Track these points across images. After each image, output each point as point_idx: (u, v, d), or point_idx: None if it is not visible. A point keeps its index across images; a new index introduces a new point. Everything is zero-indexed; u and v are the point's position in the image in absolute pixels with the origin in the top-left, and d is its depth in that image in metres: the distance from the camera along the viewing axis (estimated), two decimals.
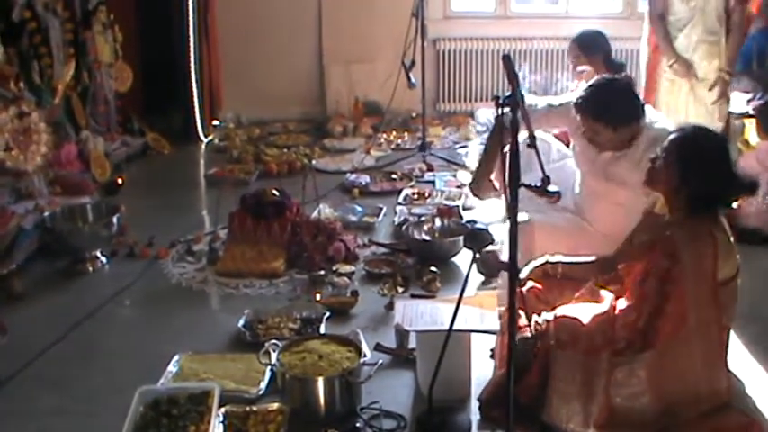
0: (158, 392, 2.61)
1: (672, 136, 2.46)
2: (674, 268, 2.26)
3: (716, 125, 4.35)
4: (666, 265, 2.28)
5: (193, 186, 5.45)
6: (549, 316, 2.52)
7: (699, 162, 2.37)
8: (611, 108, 2.97)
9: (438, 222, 4.11)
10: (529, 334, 2.50)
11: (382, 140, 6.15)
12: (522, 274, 2.78)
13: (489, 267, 2.85)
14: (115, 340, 3.27)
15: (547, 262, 2.82)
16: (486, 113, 6.10)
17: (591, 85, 3.04)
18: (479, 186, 3.45)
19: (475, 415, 2.62)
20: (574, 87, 4.33)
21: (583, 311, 2.48)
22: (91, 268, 3.91)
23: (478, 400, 2.65)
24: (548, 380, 2.47)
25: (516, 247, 2.16)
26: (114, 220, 3.97)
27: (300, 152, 5.82)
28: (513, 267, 2.17)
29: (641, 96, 3.59)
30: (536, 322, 2.52)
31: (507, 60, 2.15)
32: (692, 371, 2.32)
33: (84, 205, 4.20)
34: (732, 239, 2.37)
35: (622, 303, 2.42)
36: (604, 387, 2.35)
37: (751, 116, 4.51)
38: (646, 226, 2.60)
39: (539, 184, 2.18)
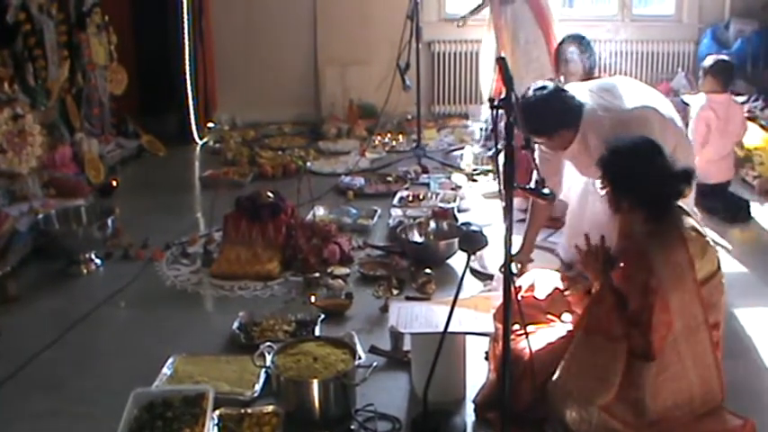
0: (153, 395, 2.60)
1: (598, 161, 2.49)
2: (651, 280, 2.26)
3: None
4: (644, 278, 2.28)
5: (188, 188, 5.44)
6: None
7: (626, 172, 2.39)
8: (536, 121, 2.92)
9: (433, 224, 4.10)
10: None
11: (377, 143, 6.15)
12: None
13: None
14: (110, 342, 3.26)
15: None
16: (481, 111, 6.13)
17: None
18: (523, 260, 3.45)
19: (470, 417, 2.62)
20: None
21: None
22: (85, 270, 3.90)
23: (473, 402, 2.66)
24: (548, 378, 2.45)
25: (511, 254, 2.16)
26: (109, 222, 3.96)
27: (295, 154, 5.82)
28: (508, 274, 2.17)
29: None
30: None
31: (502, 62, 2.15)
32: (683, 374, 2.31)
33: (78, 207, 4.20)
34: (706, 235, 2.37)
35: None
36: (621, 379, 2.31)
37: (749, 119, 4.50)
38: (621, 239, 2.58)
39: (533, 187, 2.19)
